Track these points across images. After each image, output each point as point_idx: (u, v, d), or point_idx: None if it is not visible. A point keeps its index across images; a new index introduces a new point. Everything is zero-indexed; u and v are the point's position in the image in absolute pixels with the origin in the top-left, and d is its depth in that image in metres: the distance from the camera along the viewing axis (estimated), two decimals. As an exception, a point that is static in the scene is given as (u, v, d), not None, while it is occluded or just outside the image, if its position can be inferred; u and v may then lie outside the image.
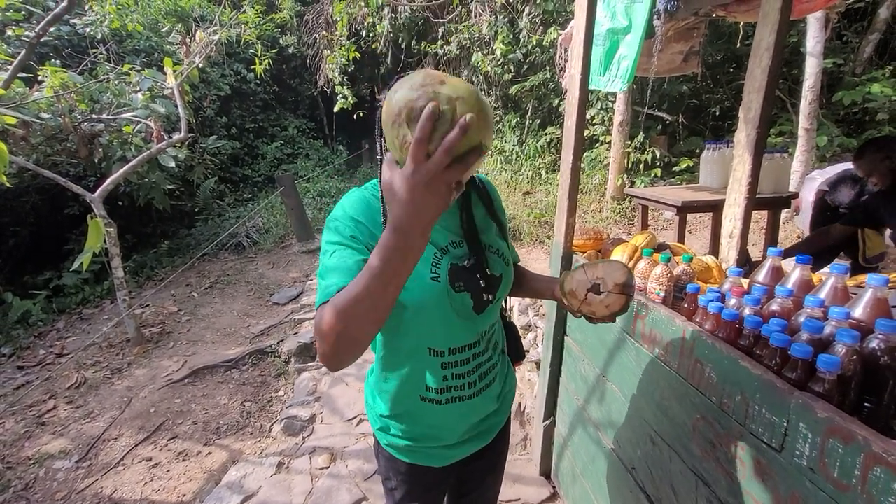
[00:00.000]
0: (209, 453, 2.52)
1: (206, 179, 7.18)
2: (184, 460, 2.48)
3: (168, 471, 2.40)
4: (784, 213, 4.36)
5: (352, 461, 2.28)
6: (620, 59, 2.27)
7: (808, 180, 3.68)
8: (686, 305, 1.20)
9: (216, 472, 2.35)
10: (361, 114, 8.94)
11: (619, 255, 1.65)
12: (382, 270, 0.60)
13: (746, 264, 1.89)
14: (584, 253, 1.87)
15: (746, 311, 0.99)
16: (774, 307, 0.99)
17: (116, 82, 4.36)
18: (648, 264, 1.39)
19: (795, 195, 2.82)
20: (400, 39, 8.33)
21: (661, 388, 1.16)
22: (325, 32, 8.72)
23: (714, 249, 3.07)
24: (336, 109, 8.33)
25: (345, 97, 8.02)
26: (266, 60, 6.72)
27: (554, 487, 1.96)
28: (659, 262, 1.34)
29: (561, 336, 1.85)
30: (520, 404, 2.50)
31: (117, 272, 3.60)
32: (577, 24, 1.67)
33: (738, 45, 5.06)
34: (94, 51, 5.32)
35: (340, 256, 0.79)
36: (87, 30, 5.95)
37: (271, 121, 10.10)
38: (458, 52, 7.01)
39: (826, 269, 0.97)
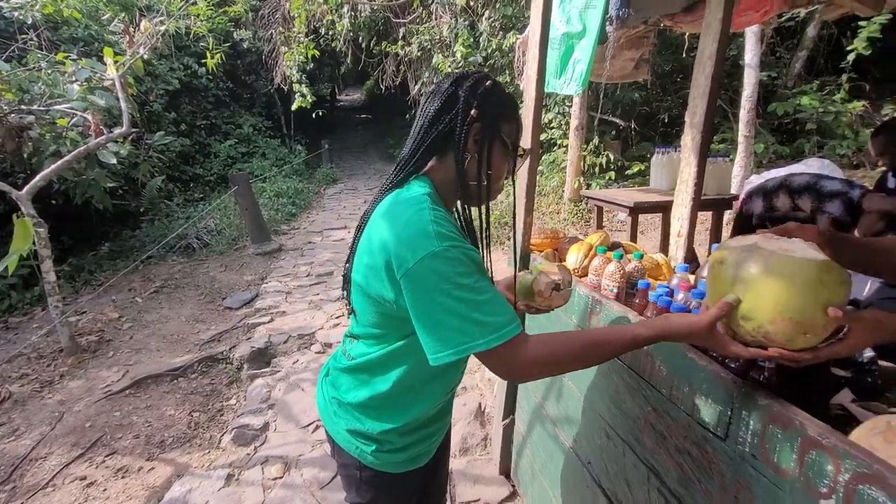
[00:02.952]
0: (152, 468, 2.35)
1: (153, 178, 6.78)
2: (123, 477, 2.30)
3: (105, 490, 2.22)
4: (727, 214, 4.63)
5: (307, 469, 2.19)
6: (575, 63, 2.33)
7: (747, 184, 3.93)
8: (637, 301, 1.22)
9: (159, 488, 2.20)
10: (321, 112, 8.74)
11: (574, 253, 1.67)
12: (646, 342, 0.78)
13: (693, 261, 1.97)
14: (541, 252, 1.89)
15: (693, 305, 1.03)
16: (719, 301, 1.03)
17: (49, 72, 4.02)
18: (602, 262, 1.41)
19: (736, 197, 2.98)
20: (360, 38, 8.22)
21: (614, 382, 1.18)
22: (281, 28, 8.48)
23: (664, 248, 3.20)
24: (294, 108, 8.10)
25: (303, 95, 7.82)
26: (218, 55, 6.43)
27: (513, 486, 1.97)
28: (612, 259, 1.37)
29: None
30: (480, 404, 2.50)
31: (48, 276, 3.31)
32: (533, 27, 1.68)
33: (685, 56, 5.33)
34: (24, 36, 4.90)
35: (491, 290, 0.79)
36: (16, 14, 5.48)
37: (225, 118, 9.68)
38: (419, 54, 7.00)
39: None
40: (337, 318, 3.85)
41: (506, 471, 2.04)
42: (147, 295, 4.64)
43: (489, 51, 6.44)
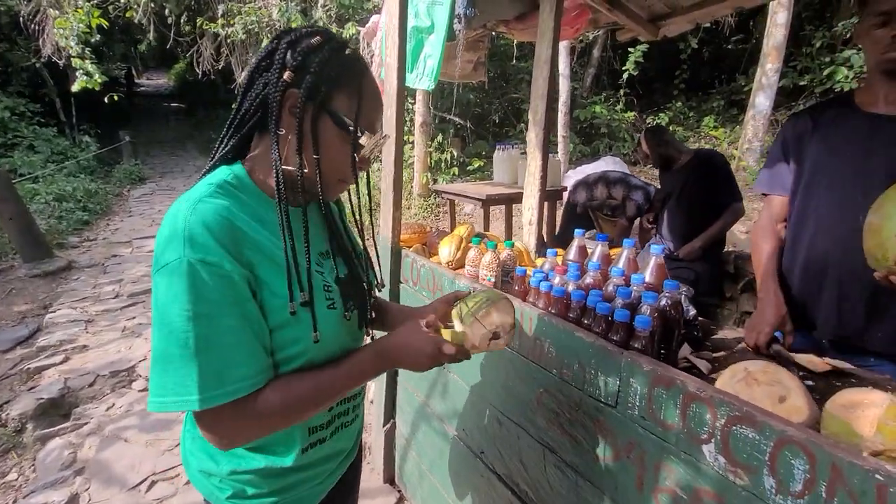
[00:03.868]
0: None
1: None
2: None
3: None
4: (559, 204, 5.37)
5: (145, 539, 1.75)
6: (426, 58, 2.34)
7: (566, 178, 4.63)
8: (516, 287, 1.27)
9: None
10: (116, 98, 7.14)
11: (446, 246, 1.68)
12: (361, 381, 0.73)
13: (543, 246, 2.18)
14: (410, 247, 1.84)
15: (570, 287, 1.10)
16: (589, 280, 1.13)
17: None
18: (478, 253, 1.44)
19: (565, 188, 3.44)
20: (167, 12, 6.95)
21: (504, 370, 1.21)
22: (47, -15, 6.63)
23: (508, 236, 3.51)
24: (76, 89, 6.42)
25: (88, 74, 6.25)
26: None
27: (400, 491, 1.90)
28: (487, 249, 1.40)
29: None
30: (354, 413, 2.35)
31: None
32: (391, 11, 1.61)
33: (514, 62, 5.93)
34: None
35: (227, 325, 0.61)
36: None
37: (-42, 97, 7.19)
38: (244, 36, 6.25)
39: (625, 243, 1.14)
40: (165, 344, 3.20)
41: (390, 478, 1.95)
42: None
43: (326, 41, 6.12)
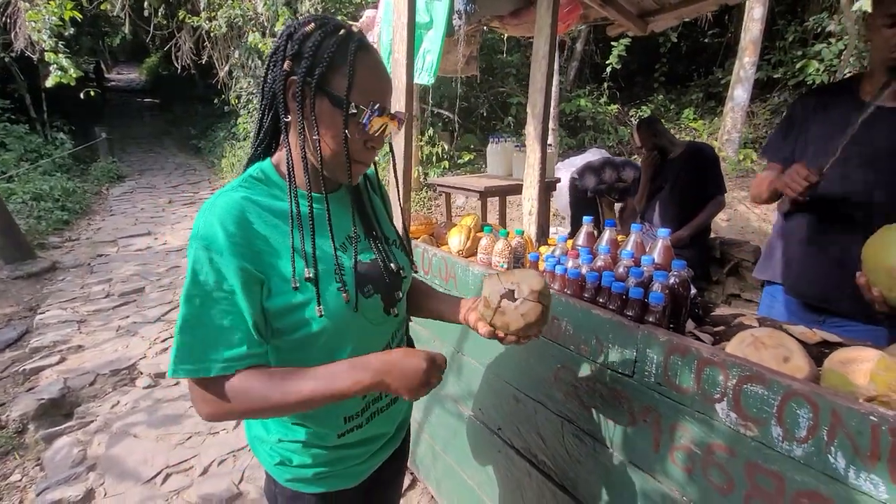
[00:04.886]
0: None
1: None
2: None
3: None
4: (553, 194, 5.49)
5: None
6: (425, 53, 2.38)
7: (556, 170, 4.72)
8: (528, 268, 1.35)
9: None
10: (92, 93, 6.94)
11: (456, 236, 1.74)
12: (341, 394, 0.69)
13: (544, 235, 2.27)
14: (417, 238, 1.90)
15: (584, 270, 1.18)
16: (600, 263, 1.21)
17: None
18: (490, 240, 1.51)
19: (559, 180, 3.53)
20: (145, 4, 6.78)
21: (520, 350, 1.28)
22: (17, -24, 6.40)
23: (504, 226, 3.59)
24: (49, 84, 6.21)
25: (62, 69, 6.07)
26: None
27: (413, 474, 1.97)
28: (498, 237, 1.48)
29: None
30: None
31: None
32: (399, 7, 1.66)
33: (501, 56, 5.98)
34: None
35: (221, 311, 0.67)
36: None
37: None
38: (226, 30, 6.15)
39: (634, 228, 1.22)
40: (163, 340, 3.19)
41: (402, 461, 2.02)
42: None
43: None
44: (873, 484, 0.65)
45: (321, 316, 0.71)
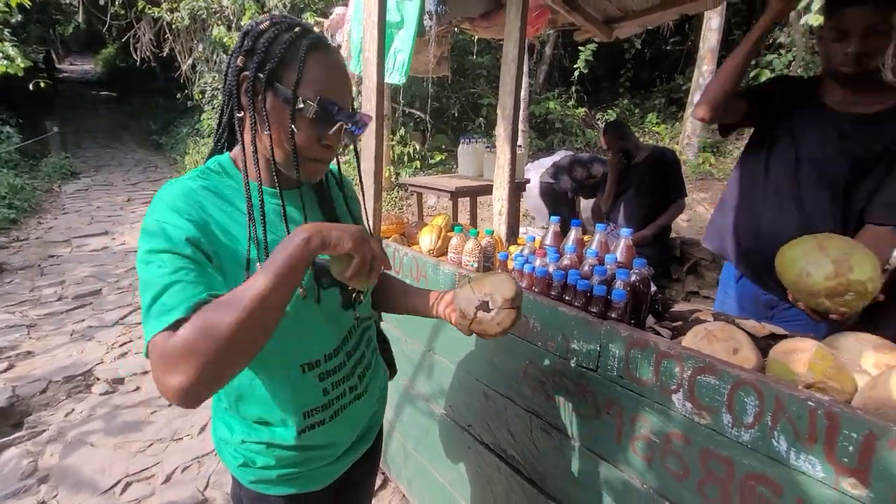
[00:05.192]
0: None
1: None
2: None
3: None
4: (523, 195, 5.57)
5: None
6: (396, 53, 2.38)
7: (526, 171, 4.81)
8: (499, 271, 1.37)
9: None
10: (42, 84, 6.55)
11: (427, 236, 1.75)
12: (293, 263, 0.60)
13: (514, 234, 2.31)
14: (388, 238, 1.90)
15: (551, 268, 1.22)
16: (567, 261, 1.25)
17: None
18: (460, 240, 1.53)
19: (528, 180, 3.60)
20: (100, -8, 6.46)
21: (490, 348, 1.31)
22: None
23: (475, 226, 3.63)
24: (-7, 74, 5.84)
25: (9, 59, 5.72)
26: None
27: (384, 474, 1.97)
28: (469, 237, 1.50)
29: (377, 322, 1.85)
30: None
31: None
32: (369, 6, 1.65)
33: (472, 57, 6.02)
34: None
35: (175, 267, 0.62)
36: None
37: None
38: (189, 23, 5.93)
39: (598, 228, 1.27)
40: (122, 345, 3.06)
41: (373, 461, 2.01)
42: None
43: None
44: (811, 464, 0.71)
45: None
